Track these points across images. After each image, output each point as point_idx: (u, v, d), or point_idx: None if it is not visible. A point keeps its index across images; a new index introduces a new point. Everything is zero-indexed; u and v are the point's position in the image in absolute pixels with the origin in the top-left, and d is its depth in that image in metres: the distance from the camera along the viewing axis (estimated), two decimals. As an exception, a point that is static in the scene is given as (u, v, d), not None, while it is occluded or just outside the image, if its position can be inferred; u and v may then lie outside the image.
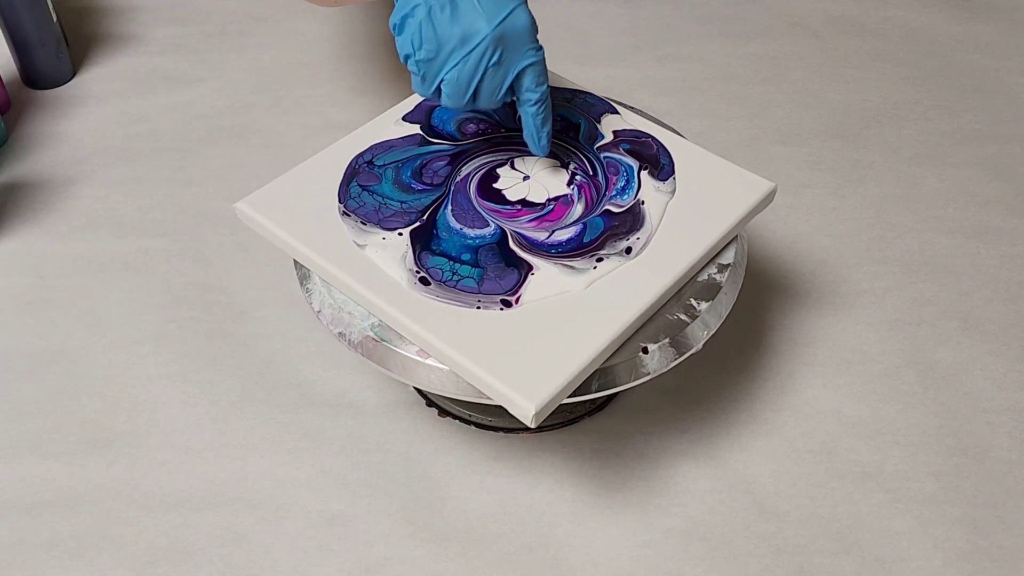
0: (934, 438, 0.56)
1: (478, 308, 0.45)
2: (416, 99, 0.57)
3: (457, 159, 0.53)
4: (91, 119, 0.75)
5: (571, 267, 0.47)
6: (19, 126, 0.74)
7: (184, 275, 0.64)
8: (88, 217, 0.68)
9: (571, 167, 0.53)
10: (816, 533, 0.52)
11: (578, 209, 0.50)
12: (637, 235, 0.49)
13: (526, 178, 0.52)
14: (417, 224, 0.49)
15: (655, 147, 0.54)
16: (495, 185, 0.51)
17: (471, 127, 0.55)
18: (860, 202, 0.71)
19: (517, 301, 0.45)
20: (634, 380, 0.45)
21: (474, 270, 0.47)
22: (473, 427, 0.56)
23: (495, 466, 0.54)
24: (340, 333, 0.47)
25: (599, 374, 0.45)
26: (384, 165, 0.52)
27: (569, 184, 0.52)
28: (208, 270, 0.64)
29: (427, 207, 0.50)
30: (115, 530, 0.51)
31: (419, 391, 0.58)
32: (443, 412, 0.57)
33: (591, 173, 0.53)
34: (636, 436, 0.56)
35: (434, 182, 0.51)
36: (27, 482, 0.53)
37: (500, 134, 0.55)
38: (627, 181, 0.52)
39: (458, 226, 0.49)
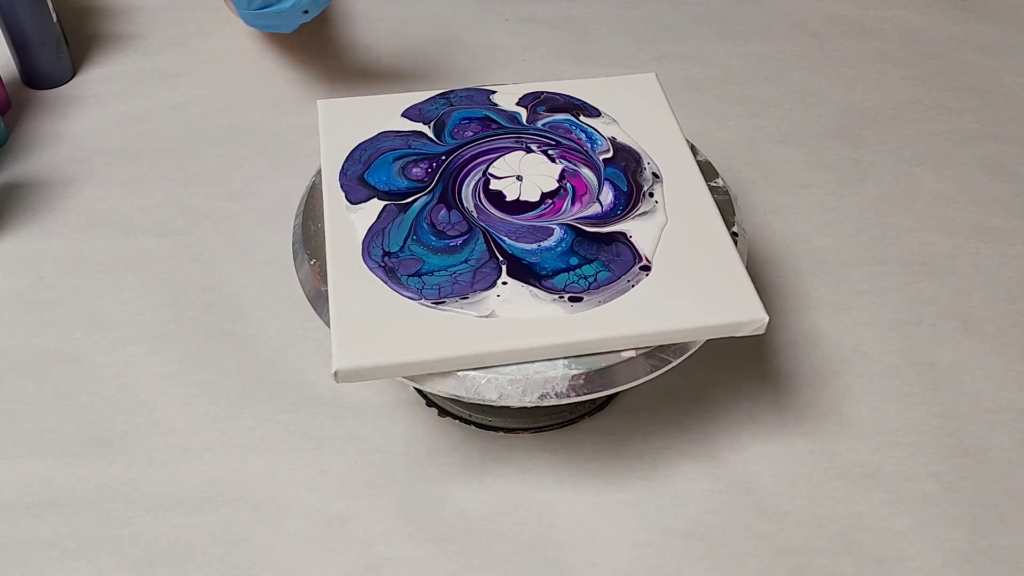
0: (934, 438, 0.56)
1: (632, 285, 0.47)
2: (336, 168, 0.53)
3: (444, 201, 0.50)
4: (91, 119, 0.75)
5: (648, 212, 0.51)
6: (19, 126, 0.74)
7: (184, 275, 0.64)
8: (88, 217, 0.68)
9: (535, 147, 0.54)
10: (816, 533, 0.52)
11: (592, 178, 0.52)
12: (645, 160, 0.53)
13: (519, 178, 0.52)
14: (503, 268, 0.47)
15: (553, 94, 0.58)
16: (508, 199, 0.51)
17: (415, 170, 0.52)
18: (860, 202, 0.71)
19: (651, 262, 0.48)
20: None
21: (596, 263, 0.47)
22: (473, 427, 0.56)
23: (495, 466, 0.54)
24: (543, 395, 0.44)
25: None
26: (404, 246, 0.48)
27: (556, 165, 0.53)
28: (208, 270, 0.64)
29: (484, 252, 0.48)
30: (115, 530, 0.51)
31: (419, 391, 0.58)
32: (443, 412, 0.57)
33: (556, 143, 0.54)
34: (636, 436, 0.56)
35: (460, 230, 0.49)
36: (27, 482, 0.53)
37: (440, 161, 0.53)
38: (584, 132, 0.55)
39: (533, 246, 0.48)
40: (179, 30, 0.84)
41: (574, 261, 0.47)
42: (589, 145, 0.54)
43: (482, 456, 0.55)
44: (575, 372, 0.45)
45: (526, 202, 0.51)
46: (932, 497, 0.53)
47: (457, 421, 0.56)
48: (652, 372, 0.46)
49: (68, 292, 0.63)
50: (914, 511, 0.53)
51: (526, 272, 0.47)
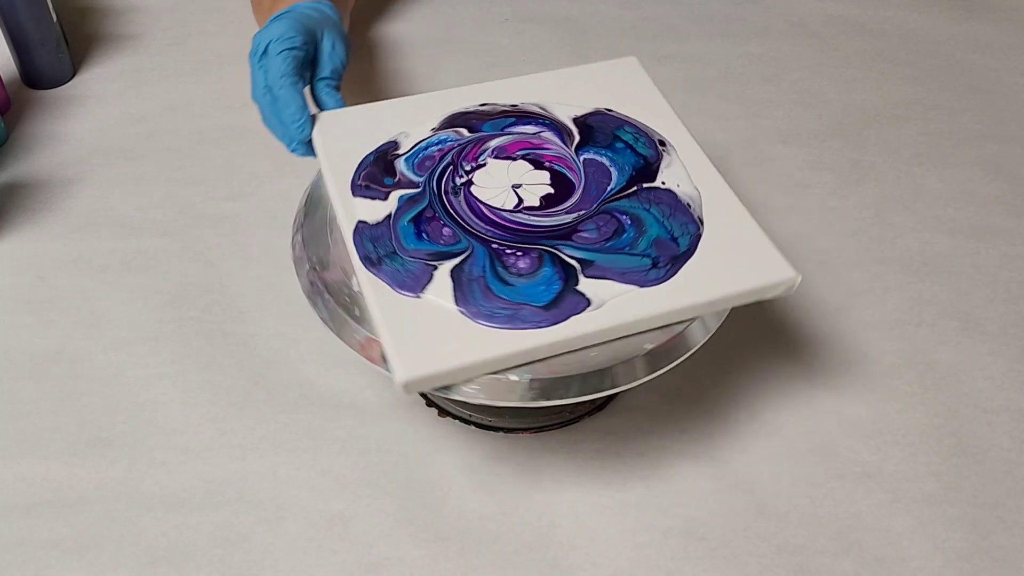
0: (934, 438, 0.56)
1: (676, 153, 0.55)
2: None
3: (533, 248, 0.48)
4: (91, 119, 0.75)
5: (580, 112, 0.56)
6: (19, 126, 0.74)
7: (184, 275, 0.64)
8: (88, 217, 0.68)
9: (468, 166, 0.53)
10: (816, 533, 0.52)
11: (529, 129, 0.54)
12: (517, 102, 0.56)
13: (516, 186, 0.51)
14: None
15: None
16: (548, 199, 0.50)
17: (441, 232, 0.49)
18: (860, 202, 0.71)
19: None
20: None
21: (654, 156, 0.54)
22: (473, 427, 0.56)
23: (495, 466, 0.54)
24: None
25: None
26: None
27: (508, 160, 0.53)
28: (208, 270, 0.64)
29: (613, 220, 0.49)
30: (115, 530, 0.51)
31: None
32: (443, 412, 0.57)
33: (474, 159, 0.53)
34: (636, 436, 0.56)
35: (611, 226, 0.49)
36: (27, 482, 0.53)
37: (472, 222, 0.49)
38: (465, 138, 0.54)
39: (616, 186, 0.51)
40: (179, 30, 0.84)
41: (640, 161, 0.53)
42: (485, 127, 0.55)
43: (482, 456, 0.55)
44: None
45: (553, 191, 0.50)
46: (932, 497, 0.53)
47: (457, 421, 0.56)
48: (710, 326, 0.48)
49: (68, 292, 0.63)
50: (914, 511, 0.53)
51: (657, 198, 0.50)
